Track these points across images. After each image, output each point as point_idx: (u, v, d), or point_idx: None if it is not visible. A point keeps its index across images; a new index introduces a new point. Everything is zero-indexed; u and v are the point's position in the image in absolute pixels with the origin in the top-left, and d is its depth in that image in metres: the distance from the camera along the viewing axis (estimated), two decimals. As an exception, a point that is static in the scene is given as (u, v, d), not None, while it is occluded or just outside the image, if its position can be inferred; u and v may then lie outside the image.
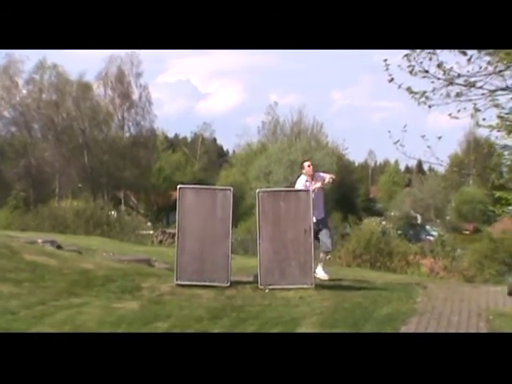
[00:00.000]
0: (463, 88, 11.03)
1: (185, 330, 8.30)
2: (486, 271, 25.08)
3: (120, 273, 11.74)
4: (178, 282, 11.06)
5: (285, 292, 10.84)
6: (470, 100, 11.03)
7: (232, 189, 11.62)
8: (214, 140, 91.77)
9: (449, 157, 67.85)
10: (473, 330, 8.58)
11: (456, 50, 10.42)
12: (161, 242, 27.16)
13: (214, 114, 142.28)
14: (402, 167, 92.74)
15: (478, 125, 11.59)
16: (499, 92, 11.06)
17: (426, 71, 10.91)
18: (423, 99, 11.09)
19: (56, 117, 62.74)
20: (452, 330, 8.53)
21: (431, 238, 46.13)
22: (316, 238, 11.87)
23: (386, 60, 10.91)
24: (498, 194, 12.38)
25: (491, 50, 10.32)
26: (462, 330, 8.56)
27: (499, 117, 11.27)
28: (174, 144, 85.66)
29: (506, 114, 11.28)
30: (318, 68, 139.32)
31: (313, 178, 12.46)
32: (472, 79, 10.96)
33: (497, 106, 11.14)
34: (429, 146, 11.22)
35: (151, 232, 32.82)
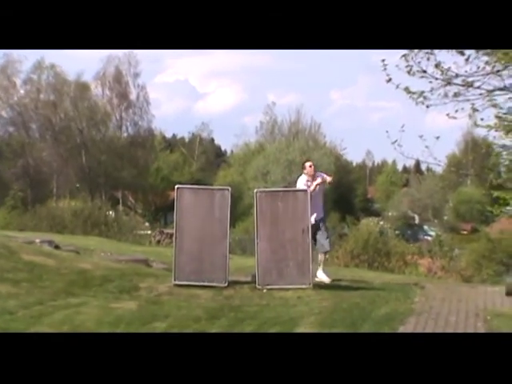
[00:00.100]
0: (461, 88, 11.03)
1: (183, 330, 8.30)
2: (483, 271, 25.08)
3: (118, 273, 11.73)
4: (176, 282, 11.06)
5: (283, 292, 10.85)
6: (468, 100, 11.02)
7: (230, 189, 11.62)
8: (212, 140, 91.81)
9: (447, 157, 67.74)
10: (471, 330, 8.59)
11: (454, 50, 10.41)
12: (159, 242, 27.16)
13: (211, 114, 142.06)
14: (400, 167, 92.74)
15: (475, 125, 11.58)
16: (497, 92, 11.06)
17: (424, 71, 10.91)
18: (421, 99, 11.08)
19: (54, 117, 62.74)
20: (450, 330, 8.54)
21: (429, 238, 46.15)
22: (313, 238, 11.88)
23: (383, 60, 10.90)
24: (496, 193, 12.37)
25: (489, 50, 10.31)
26: (460, 330, 8.57)
27: (497, 117, 11.26)
28: (171, 144, 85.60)
29: (504, 113, 11.27)
30: (315, 68, 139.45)
31: (314, 178, 12.46)
32: (470, 79, 10.96)
33: (495, 105, 11.13)
34: (427, 146, 11.20)
35: (149, 232, 32.83)
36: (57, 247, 14.36)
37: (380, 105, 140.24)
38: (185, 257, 11.20)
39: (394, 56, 10.91)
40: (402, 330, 8.43)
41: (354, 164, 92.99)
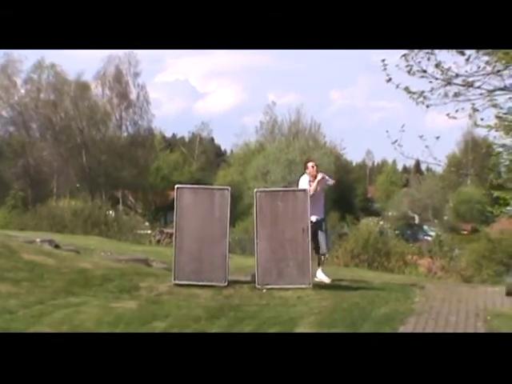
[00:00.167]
0: (461, 88, 11.02)
1: (183, 329, 8.30)
2: (483, 271, 25.08)
3: (118, 272, 11.74)
4: (176, 282, 11.06)
5: (283, 292, 10.85)
6: (468, 100, 11.01)
7: (230, 188, 11.63)
8: (212, 140, 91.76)
9: (447, 157, 67.72)
10: (471, 330, 8.59)
11: (454, 50, 10.41)
12: (159, 241, 27.13)
13: (212, 114, 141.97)
14: (400, 167, 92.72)
15: (476, 125, 11.58)
16: (497, 92, 11.05)
17: (424, 71, 10.90)
18: (421, 99, 11.08)
19: (54, 116, 62.76)
20: (450, 330, 8.54)
21: (429, 238, 46.14)
22: (313, 239, 11.88)
23: (383, 60, 10.90)
24: (496, 193, 12.37)
25: (489, 50, 10.31)
26: (460, 330, 8.57)
27: (497, 117, 11.26)
28: (171, 144, 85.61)
29: (505, 113, 11.27)
30: (315, 68, 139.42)
31: (316, 178, 12.45)
32: (470, 79, 10.95)
33: (495, 105, 11.12)
34: (427, 146, 11.19)
35: (149, 232, 32.79)
36: (57, 247, 14.36)
37: (380, 105, 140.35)
38: (185, 256, 11.21)
39: (394, 56, 10.91)
40: (401, 330, 8.43)
41: (354, 164, 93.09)
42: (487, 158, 16.76)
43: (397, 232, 31.40)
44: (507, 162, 12.49)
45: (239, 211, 48.55)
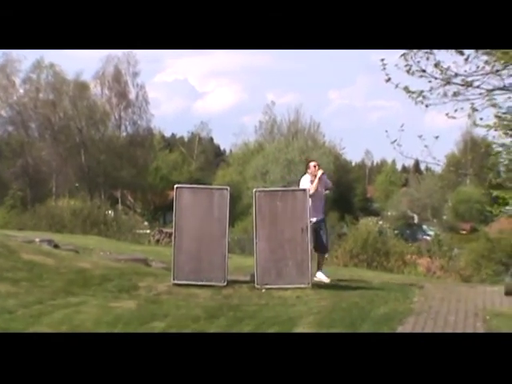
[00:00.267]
0: (460, 87, 11.02)
1: (182, 329, 8.30)
2: (482, 271, 25.05)
3: (117, 272, 11.74)
4: (175, 282, 11.07)
5: (282, 291, 10.85)
6: (468, 99, 11.01)
7: (229, 188, 11.64)
8: (211, 139, 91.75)
9: (446, 156, 67.74)
10: (470, 330, 8.59)
11: (453, 50, 10.41)
12: (158, 241, 27.10)
13: (211, 114, 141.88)
14: (399, 167, 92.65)
15: (475, 124, 11.58)
16: (497, 91, 11.05)
17: (423, 70, 10.90)
18: (420, 99, 11.08)
19: (53, 116, 62.76)
20: (449, 330, 8.54)
21: (428, 238, 46.15)
22: (314, 238, 11.88)
23: (383, 59, 10.89)
24: (495, 193, 12.36)
25: (488, 50, 10.31)
26: (459, 330, 8.57)
27: (496, 116, 11.26)
28: (170, 143, 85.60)
29: (504, 113, 11.27)
30: (315, 68, 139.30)
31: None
32: (469, 79, 10.95)
33: (494, 105, 11.12)
34: (426, 146, 11.19)
35: (148, 231, 32.72)
36: (56, 246, 14.35)
37: (379, 104, 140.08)
38: (184, 256, 11.21)
39: (393, 55, 10.91)
40: (400, 329, 8.43)
41: (353, 163, 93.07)
42: (486, 157, 16.76)
43: (396, 232, 31.32)
44: (506, 162, 12.48)
45: (238, 211, 48.56)
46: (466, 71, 10.88)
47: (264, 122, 73.03)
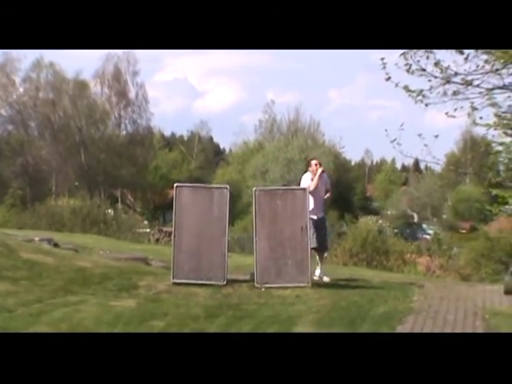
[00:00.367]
0: (460, 86, 11.03)
1: (181, 328, 8.31)
2: (482, 270, 25.08)
3: (117, 271, 11.74)
4: (175, 281, 11.07)
5: (281, 290, 10.85)
6: (467, 98, 11.03)
7: (228, 187, 11.64)
8: (211, 138, 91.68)
9: (445, 155, 67.80)
10: (469, 329, 8.60)
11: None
12: (157, 240, 27.10)
13: (210, 113, 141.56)
14: (399, 166, 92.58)
15: (474, 123, 11.61)
16: (496, 90, 11.07)
17: (423, 70, 10.91)
18: (420, 98, 11.09)
19: (53, 115, 62.74)
20: (448, 329, 8.55)
21: (428, 237, 46.10)
22: (315, 238, 11.88)
23: (382, 58, 10.90)
24: (494, 192, 12.38)
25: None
26: (459, 329, 8.58)
27: (496, 115, 11.27)
28: (170, 142, 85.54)
29: (503, 112, 11.28)
30: (314, 67, 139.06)
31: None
32: (469, 78, 10.96)
33: (494, 104, 11.14)
34: (425, 145, 11.22)
35: (148, 230, 32.74)
36: (56, 245, 14.35)
37: (379, 103, 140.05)
38: (183, 255, 11.21)
39: (393, 54, 10.92)
40: (400, 328, 8.44)
41: (353, 162, 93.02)
42: (486, 156, 16.75)
43: (396, 231, 31.38)
44: (506, 161, 12.50)
45: (238, 210, 48.53)
46: (465, 70, 10.90)
47: (264, 120, 73.03)
